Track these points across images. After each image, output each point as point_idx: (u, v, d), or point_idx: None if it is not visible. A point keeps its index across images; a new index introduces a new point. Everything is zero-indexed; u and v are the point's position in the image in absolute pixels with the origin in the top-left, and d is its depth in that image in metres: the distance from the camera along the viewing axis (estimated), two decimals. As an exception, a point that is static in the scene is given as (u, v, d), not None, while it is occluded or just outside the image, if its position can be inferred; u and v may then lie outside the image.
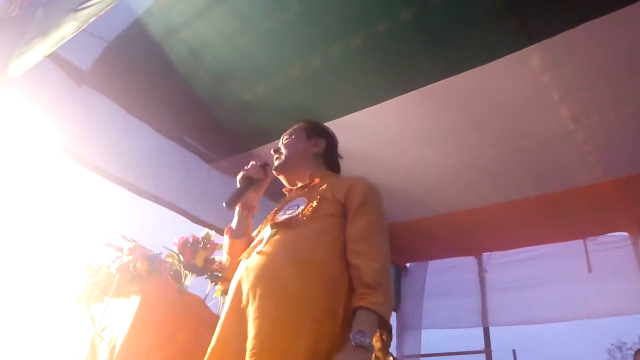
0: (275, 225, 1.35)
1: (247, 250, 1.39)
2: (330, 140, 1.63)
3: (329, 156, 1.61)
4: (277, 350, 1.10)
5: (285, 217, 1.37)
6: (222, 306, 2.18)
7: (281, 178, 1.57)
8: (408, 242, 4.50)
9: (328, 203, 1.35)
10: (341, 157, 1.66)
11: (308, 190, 1.46)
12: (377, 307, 1.14)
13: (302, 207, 1.36)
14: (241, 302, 1.23)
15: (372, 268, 1.20)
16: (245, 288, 1.25)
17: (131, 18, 2.45)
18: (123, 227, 2.19)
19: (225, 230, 1.51)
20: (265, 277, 1.23)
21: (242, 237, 1.47)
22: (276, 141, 1.64)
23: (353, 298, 1.19)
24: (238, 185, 1.48)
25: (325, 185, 1.43)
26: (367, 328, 1.11)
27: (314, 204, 1.34)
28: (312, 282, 1.21)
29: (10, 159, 2.51)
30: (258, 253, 1.30)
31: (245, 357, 1.11)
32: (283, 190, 1.60)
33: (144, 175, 3.01)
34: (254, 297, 1.20)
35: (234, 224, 1.52)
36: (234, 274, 1.46)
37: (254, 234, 1.52)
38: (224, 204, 1.42)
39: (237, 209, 1.49)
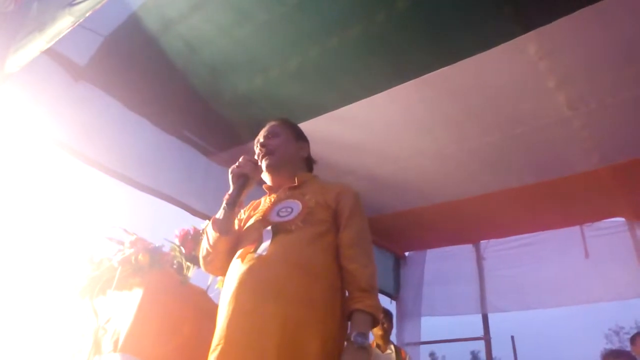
0: (275, 228, 1.38)
1: (242, 251, 1.38)
2: (309, 145, 1.69)
3: (309, 160, 1.67)
4: (295, 350, 1.16)
5: (279, 218, 1.40)
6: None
7: (266, 175, 1.57)
8: (406, 231, 4.53)
9: (321, 208, 1.41)
10: (316, 162, 1.70)
11: (297, 193, 1.49)
12: (373, 309, 1.26)
13: (297, 211, 1.40)
14: (246, 304, 1.25)
15: (365, 274, 1.31)
16: (250, 290, 1.27)
17: (127, 12, 2.44)
18: (124, 220, 2.20)
19: (210, 223, 1.48)
20: (270, 281, 1.27)
21: (230, 234, 1.47)
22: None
23: (349, 300, 1.29)
24: (231, 182, 1.47)
25: (315, 189, 1.49)
26: (365, 329, 1.23)
27: (310, 209, 1.40)
28: (315, 285, 1.28)
29: (9, 156, 2.51)
30: (260, 256, 1.32)
31: (255, 357, 1.15)
32: (263, 187, 1.61)
33: (143, 170, 3.01)
34: (263, 300, 1.23)
35: (222, 220, 1.46)
36: (218, 271, 1.51)
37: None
38: (225, 205, 1.43)
39: (223, 204, 1.46)
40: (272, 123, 1.66)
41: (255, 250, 1.34)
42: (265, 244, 1.34)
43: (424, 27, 2.33)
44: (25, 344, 2.10)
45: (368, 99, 2.80)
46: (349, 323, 1.26)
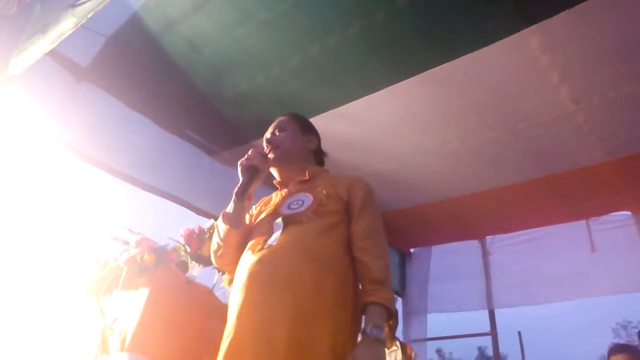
0: (285, 220, 1.37)
1: (253, 242, 1.38)
2: (319, 138, 1.67)
3: (318, 153, 1.65)
4: (304, 342, 1.15)
5: (290, 211, 1.39)
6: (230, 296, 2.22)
7: (274, 170, 1.57)
8: (411, 228, 4.52)
9: (332, 200, 1.39)
10: (327, 156, 1.68)
11: (308, 186, 1.48)
12: (387, 302, 1.23)
13: (307, 203, 1.39)
14: (256, 295, 1.25)
15: (379, 265, 1.28)
16: (260, 281, 1.26)
17: (129, 13, 2.45)
18: (128, 220, 2.21)
19: (221, 217, 1.48)
20: (280, 271, 1.25)
21: (240, 227, 1.47)
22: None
23: (363, 293, 1.26)
24: (240, 175, 1.48)
25: (326, 182, 1.47)
26: (381, 322, 1.20)
27: (321, 201, 1.38)
28: (325, 276, 1.26)
29: (14, 157, 2.52)
30: (270, 247, 1.31)
31: (265, 347, 1.14)
32: (274, 182, 1.60)
33: (147, 170, 3.03)
34: (271, 291, 1.23)
35: (232, 213, 1.47)
36: (229, 265, 1.49)
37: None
38: (234, 195, 1.44)
39: (233, 197, 1.47)
40: (280, 118, 1.65)
41: (265, 242, 1.34)
42: (276, 235, 1.33)
43: (424, 23, 2.33)
44: (33, 344, 2.12)
45: (369, 96, 2.80)
46: (363, 317, 1.24)
